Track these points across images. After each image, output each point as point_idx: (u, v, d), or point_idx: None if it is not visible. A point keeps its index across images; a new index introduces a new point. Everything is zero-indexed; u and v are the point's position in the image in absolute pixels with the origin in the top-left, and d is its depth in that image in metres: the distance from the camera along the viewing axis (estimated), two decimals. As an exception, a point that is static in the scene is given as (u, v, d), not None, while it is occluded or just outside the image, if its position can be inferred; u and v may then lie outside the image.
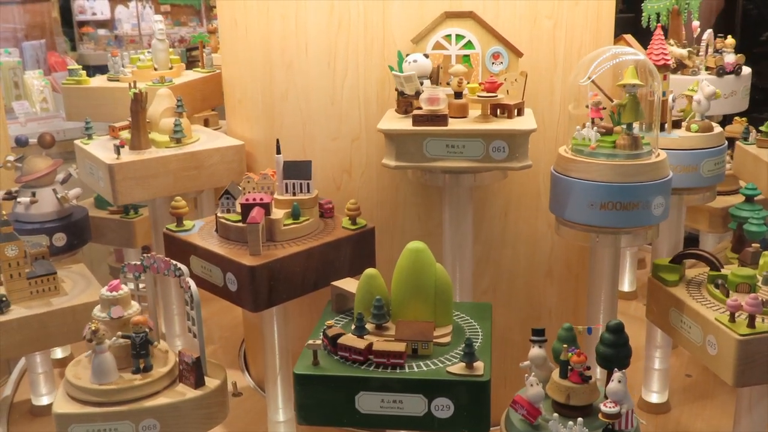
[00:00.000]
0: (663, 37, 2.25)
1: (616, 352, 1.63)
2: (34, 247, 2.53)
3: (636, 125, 1.97)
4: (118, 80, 2.73)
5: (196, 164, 2.35)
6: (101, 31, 6.30)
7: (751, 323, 1.83)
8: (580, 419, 1.61)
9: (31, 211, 2.67)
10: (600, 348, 1.65)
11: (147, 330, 1.85)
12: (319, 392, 1.71)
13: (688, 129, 2.26)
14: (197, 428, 1.94)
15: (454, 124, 1.97)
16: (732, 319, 1.85)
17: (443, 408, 1.67)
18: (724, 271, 2.05)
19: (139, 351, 1.85)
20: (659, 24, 2.56)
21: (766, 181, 2.62)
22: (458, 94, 2.02)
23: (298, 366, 1.73)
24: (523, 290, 2.39)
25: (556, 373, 1.69)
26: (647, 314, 2.19)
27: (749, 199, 2.50)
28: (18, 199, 2.64)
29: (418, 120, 1.94)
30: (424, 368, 1.70)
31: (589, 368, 1.64)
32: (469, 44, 2.08)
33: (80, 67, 2.76)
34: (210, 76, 2.85)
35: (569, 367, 1.65)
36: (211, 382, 1.96)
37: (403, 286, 1.83)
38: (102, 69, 2.88)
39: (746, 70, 2.67)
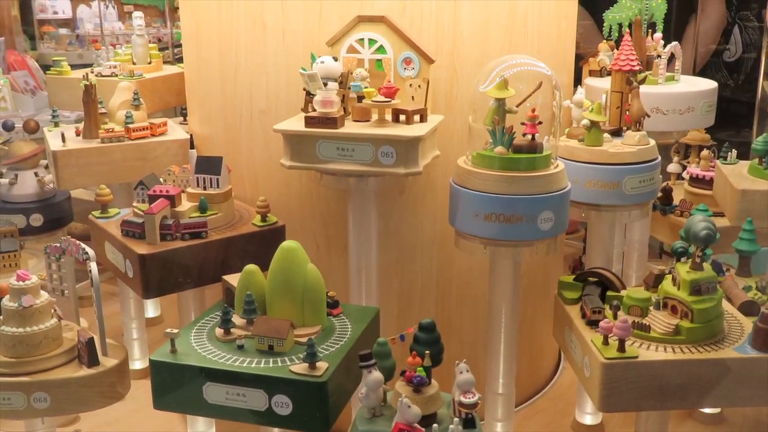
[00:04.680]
0: (630, 44, 2.19)
1: (427, 349, 1.63)
2: (4, 225, 2.72)
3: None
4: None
5: (140, 156, 2.45)
6: (62, 31, 6.37)
7: (621, 347, 1.76)
8: (456, 419, 1.60)
9: (12, 192, 2.87)
10: (414, 347, 1.64)
11: None
12: (171, 379, 1.76)
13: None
14: (88, 405, 2.03)
15: (351, 128, 1.98)
16: (605, 341, 1.79)
17: (283, 405, 1.70)
18: (624, 293, 1.97)
19: None
20: (627, 31, 2.48)
21: (731, 205, 2.48)
22: (361, 98, 2.03)
23: (156, 353, 1.80)
24: (434, 296, 2.37)
25: (401, 387, 1.67)
26: (553, 332, 2.13)
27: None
28: (-1, 180, 2.84)
29: (309, 122, 1.97)
30: (271, 365, 1.73)
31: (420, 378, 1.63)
32: (381, 49, 2.09)
33: (64, 58, 2.92)
34: (188, 71, 2.95)
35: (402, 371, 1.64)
36: (108, 362, 2.05)
37: (274, 284, 1.87)
38: None
39: (710, 84, 2.52)
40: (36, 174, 2.87)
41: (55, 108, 2.66)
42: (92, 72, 2.91)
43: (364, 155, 1.94)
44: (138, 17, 2.88)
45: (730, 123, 4.10)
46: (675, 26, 4.10)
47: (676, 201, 3.01)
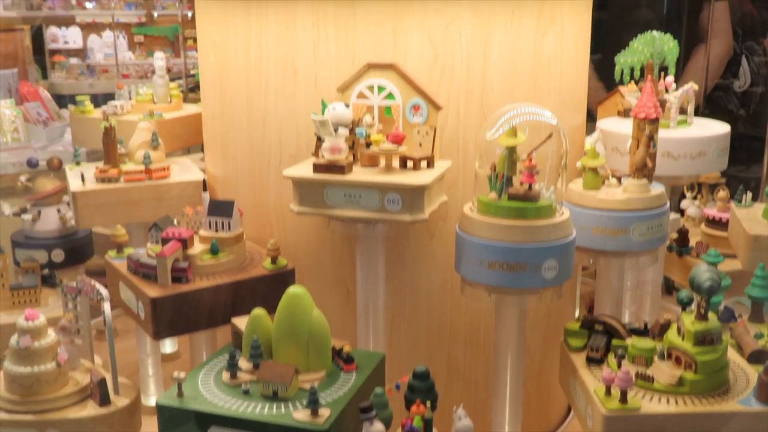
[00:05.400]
0: (651, 90, 2.19)
1: (422, 397, 1.64)
2: (26, 261, 2.78)
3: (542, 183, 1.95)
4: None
5: (157, 196, 2.50)
6: (73, 60, 6.46)
7: (623, 398, 1.75)
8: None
9: (35, 228, 2.94)
10: (407, 394, 1.66)
11: None
12: (177, 423, 1.79)
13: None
14: (99, 444, 2.08)
15: (357, 174, 2.01)
16: (608, 392, 1.79)
17: (285, 451, 1.72)
18: (628, 341, 1.97)
19: None
20: (649, 77, 2.48)
21: (743, 250, 2.47)
22: (369, 144, 2.07)
23: (162, 396, 1.83)
24: (443, 340, 2.38)
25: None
26: (559, 379, 2.13)
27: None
28: (22, 216, 2.91)
29: (317, 168, 2.01)
30: (275, 411, 1.75)
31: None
32: (390, 95, 2.12)
33: (87, 96, 3.00)
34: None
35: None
36: (120, 401, 2.10)
37: (279, 329, 1.90)
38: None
39: (723, 128, 2.51)
40: (59, 210, 2.94)
41: (77, 147, 2.73)
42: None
43: (371, 202, 1.97)
44: (159, 58, 2.95)
45: (741, 158, 4.09)
46: (683, 57, 4.11)
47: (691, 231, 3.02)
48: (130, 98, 2.99)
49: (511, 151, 1.95)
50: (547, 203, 1.91)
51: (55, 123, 4.84)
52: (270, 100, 2.33)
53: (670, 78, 2.53)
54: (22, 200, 3.12)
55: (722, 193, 3.03)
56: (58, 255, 2.93)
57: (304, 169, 2.06)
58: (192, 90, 5.72)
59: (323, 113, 2.10)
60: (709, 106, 4.45)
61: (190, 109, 3.03)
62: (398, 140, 2.02)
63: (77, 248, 2.98)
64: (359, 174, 2.01)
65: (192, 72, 5.65)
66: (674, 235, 3.03)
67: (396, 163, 2.06)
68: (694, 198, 3.33)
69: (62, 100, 5.80)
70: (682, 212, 3.39)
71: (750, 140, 4.33)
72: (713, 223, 3.01)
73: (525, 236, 1.87)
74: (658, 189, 2.20)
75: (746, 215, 2.59)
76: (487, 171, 2.00)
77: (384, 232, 2.08)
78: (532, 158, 1.89)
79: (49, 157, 2.93)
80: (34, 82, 5.68)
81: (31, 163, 3.01)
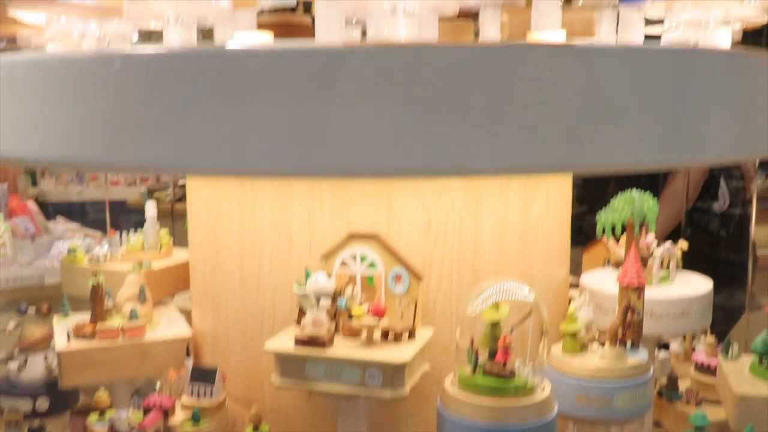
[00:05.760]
0: (636, 257, 2.20)
1: None
2: (9, 412, 2.77)
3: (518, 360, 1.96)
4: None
5: (142, 353, 2.50)
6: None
7: None
8: None
9: (20, 376, 2.92)
10: None
11: None
12: None
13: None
14: None
15: (338, 348, 2.02)
16: None
17: None
18: None
19: None
20: (634, 244, 2.51)
21: (731, 407, 2.45)
22: (351, 316, 2.08)
23: None
24: None
25: None
26: None
27: (699, 430, 2.34)
28: (8, 363, 2.90)
29: (298, 341, 2.02)
30: None
31: None
32: (373, 264, 2.15)
33: (78, 245, 3.03)
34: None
35: None
36: None
37: None
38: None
39: (706, 286, 2.53)
40: (45, 357, 2.93)
41: (66, 297, 2.74)
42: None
43: (352, 376, 1.97)
44: (151, 207, 3.00)
45: (725, 283, 4.10)
46: (662, 178, 4.21)
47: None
48: (120, 244, 3.02)
49: (495, 325, 1.97)
50: (523, 382, 1.92)
51: (42, 237, 4.85)
52: (264, 265, 2.36)
53: (651, 236, 2.57)
54: (9, 344, 3.12)
55: (710, 339, 3.01)
56: (43, 403, 2.90)
57: (286, 341, 2.07)
58: (179, 200, 5.70)
59: (306, 282, 2.13)
60: (690, 226, 4.52)
61: (179, 255, 3.06)
62: (379, 314, 2.04)
63: (63, 395, 2.95)
64: (340, 347, 2.02)
65: (180, 182, 5.62)
66: (663, 380, 3.01)
67: (378, 334, 2.07)
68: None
69: (49, 208, 5.80)
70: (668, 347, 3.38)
71: (732, 266, 4.36)
72: (702, 369, 2.99)
73: (503, 416, 1.87)
74: (637, 357, 2.19)
75: (733, 369, 2.57)
76: (467, 343, 2.01)
77: (366, 408, 2.07)
78: (507, 337, 1.91)
79: (39, 304, 2.94)
80: (23, 190, 5.69)
81: (21, 310, 3.03)
